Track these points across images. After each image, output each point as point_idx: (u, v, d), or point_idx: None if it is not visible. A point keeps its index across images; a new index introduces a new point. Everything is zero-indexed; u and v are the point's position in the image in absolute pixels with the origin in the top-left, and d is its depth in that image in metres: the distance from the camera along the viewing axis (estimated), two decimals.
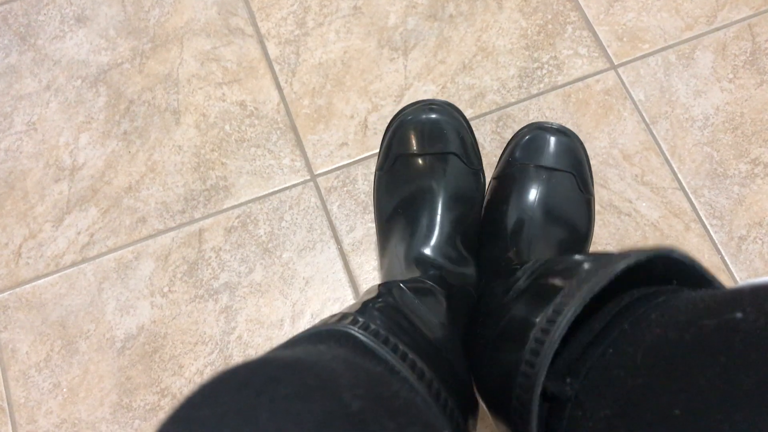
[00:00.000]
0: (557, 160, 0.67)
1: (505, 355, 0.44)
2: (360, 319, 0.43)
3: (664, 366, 0.30)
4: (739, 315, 0.28)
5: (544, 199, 0.65)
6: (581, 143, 0.69)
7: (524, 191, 0.66)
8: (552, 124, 0.69)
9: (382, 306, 0.48)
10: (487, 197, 0.71)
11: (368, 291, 0.54)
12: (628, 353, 0.34)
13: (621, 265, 0.37)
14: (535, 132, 0.69)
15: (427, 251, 0.62)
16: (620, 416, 0.32)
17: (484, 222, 0.69)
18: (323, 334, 0.41)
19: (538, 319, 0.40)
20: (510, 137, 0.76)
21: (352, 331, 0.41)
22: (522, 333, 0.42)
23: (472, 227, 0.67)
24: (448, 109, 0.68)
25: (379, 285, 0.55)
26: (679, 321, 0.32)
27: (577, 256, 0.47)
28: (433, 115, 0.67)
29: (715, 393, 0.26)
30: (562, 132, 0.68)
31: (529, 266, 0.54)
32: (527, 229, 0.64)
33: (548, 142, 0.67)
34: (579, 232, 0.67)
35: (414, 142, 0.67)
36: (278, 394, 0.26)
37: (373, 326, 0.42)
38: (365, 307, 0.46)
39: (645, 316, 0.36)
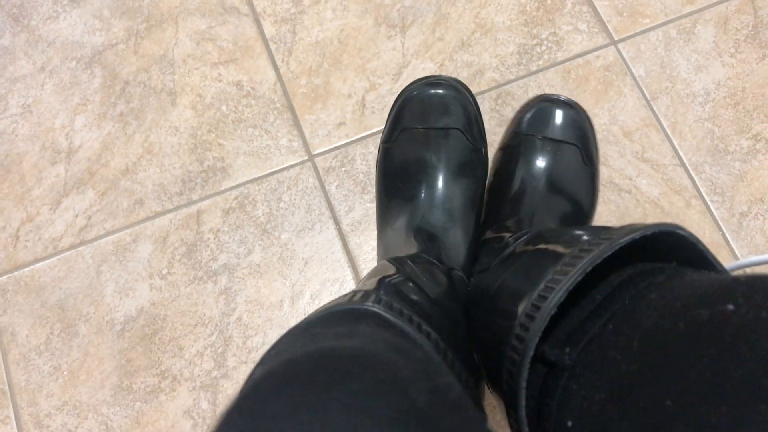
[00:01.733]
0: (562, 132, 0.67)
1: (500, 320, 0.44)
2: (383, 298, 0.42)
3: (658, 354, 0.31)
4: (730, 307, 0.29)
5: (548, 171, 0.66)
6: (587, 116, 0.69)
7: (528, 162, 0.67)
8: (559, 96, 0.69)
9: (397, 282, 0.48)
10: (492, 168, 0.71)
11: (380, 269, 0.53)
12: (626, 335, 0.34)
13: (626, 239, 0.37)
14: (542, 104, 0.69)
15: (427, 222, 0.62)
16: (614, 401, 0.32)
17: (487, 192, 0.70)
18: (352, 313, 0.40)
19: (539, 285, 0.40)
20: (509, 114, 0.76)
21: (380, 311, 0.40)
22: (517, 298, 0.42)
23: (475, 201, 0.67)
24: (456, 85, 0.68)
25: (389, 260, 0.55)
26: (675, 307, 0.32)
27: (578, 229, 0.47)
28: (440, 90, 0.67)
29: (705, 385, 0.26)
30: (569, 104, 0.68)
31: (524, 234, 0.54)
32: (529, 199, 0.65)
33: (554, 114, 0.68)
34: (582, 205, 0.67)
35: (420, 116, 0.67)
36: (349, 390, 0.25)
37: (396, 305, 0.42)
38: (381, 284, 0.46)
39: (645, 294, 0.36)
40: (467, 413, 0.29)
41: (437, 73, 0.84)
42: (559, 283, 0.38)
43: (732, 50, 0.84)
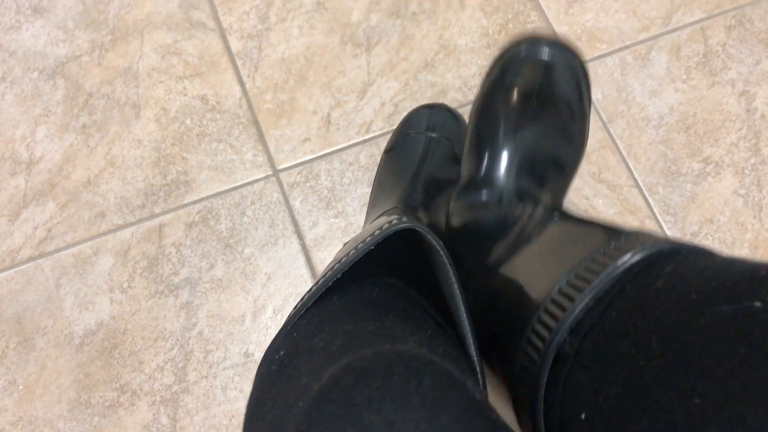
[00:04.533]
0: (551, 90, 0.59)
1: (513, 309, 0.45)
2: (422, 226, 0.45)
3: (679, 349, 0.30)
4: (757, 304, 0.28)
5: (532, 134, 0.59)
6: (579, 61, 0.61)
7: (509, 122, 0.59)
8: (550, 41, 0.59)
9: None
10: (471, 118, 0.64)
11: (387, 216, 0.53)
12: (636, 326, 0.33)
13: (636, 257, 0.37)
14: (531, 52, 0.59)
15: (410, 198, 0.67)
16: (632, 398, 0.31)
17: (470, 136, 0.64)
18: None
19: (557, 285, 0.41)
20: None
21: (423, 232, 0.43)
22: (536, 292, 0.42)
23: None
24: (453, 111, 0.77)
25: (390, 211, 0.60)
26: (690, 300, 0.31)
27: (587, 226, 0.47)
28: (441, 113, 0.76)
29: (736, 384, 0.26)
30: (558, 49, 0.59)
31: (536, 219, 0.53)
32: (510, 154, 0.59)
33: (542, 71, 0.59)
34: (568, 159, 0.62)
35: (418, 125, 0.75)
36: (424, 384, 0.28)
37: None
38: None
39: (651, 282, 0.35)
40: (494, 412, 0.31)
41: (398, 93, 0.85)
42: (587, 284, 0.37)
43: (684, 76, 0.87)
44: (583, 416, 0.34)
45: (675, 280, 0.34)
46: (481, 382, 0.42)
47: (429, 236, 0.43)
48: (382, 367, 0.29)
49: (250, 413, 0.35)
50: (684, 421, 0.27)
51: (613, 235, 0.42)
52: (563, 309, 0.38)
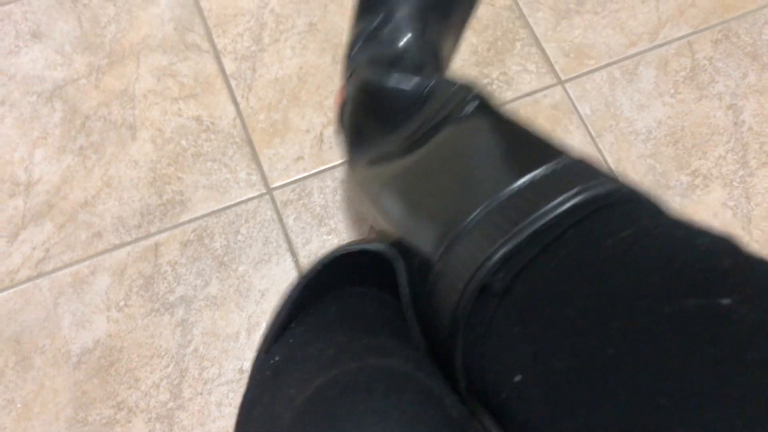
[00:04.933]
0: None
1: (422, 217, 0.41)
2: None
3: (639, 340, 0.26)
4: (726, 301, 0.25)
5: None
6: None
7: None
8: None
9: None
10: None
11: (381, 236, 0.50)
12: (586, 295, 0.29)
13: (575, 200, 0.33)
14: None
15: None
16: (582, 381, 0.27)
17: None
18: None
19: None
20: None
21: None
22: (450, 209, 0.39)
23: None
24: None
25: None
26: (652, 284, 0.28)
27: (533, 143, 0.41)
28: None
29: (708, 389, 0.23)
30: None
31: (448, 96, 0.48)
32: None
33: None
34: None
35: None
36: (403, 400, 0.30)
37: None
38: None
39: (598, 240, 0.31)
40: (475, 426, 0.33)
41: None
42: (523, 216, 0.33)
43: (672, 91, 0.88)
44: (518, 379, 0.30)
45: (629, 248, 0.30)
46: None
47: (397, 264, 0.41)
48: (365, 382, 0.30)
49: (242, 416, 0.37)
50: (648, 421, 0.24)
51: (544, 157, 0.37)
52: (491, 239, 0.34)
